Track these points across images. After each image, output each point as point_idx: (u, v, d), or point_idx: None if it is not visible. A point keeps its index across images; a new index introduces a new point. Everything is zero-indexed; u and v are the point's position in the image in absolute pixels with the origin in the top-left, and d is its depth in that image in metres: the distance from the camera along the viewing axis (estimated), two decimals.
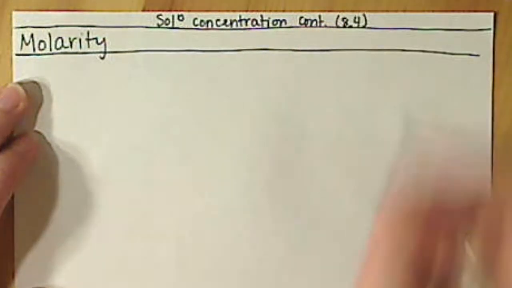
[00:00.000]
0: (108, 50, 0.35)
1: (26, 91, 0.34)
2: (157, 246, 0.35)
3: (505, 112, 0.36)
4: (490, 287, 0.22)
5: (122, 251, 0.35)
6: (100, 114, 0.35)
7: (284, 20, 0.35)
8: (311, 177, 0.35)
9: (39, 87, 0.35)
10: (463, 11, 0.35)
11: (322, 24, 0.35)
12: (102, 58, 0.35)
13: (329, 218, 0.35)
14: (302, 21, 0.35)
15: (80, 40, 0.35)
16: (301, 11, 0.35)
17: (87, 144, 0.35)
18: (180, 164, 0.35)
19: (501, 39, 0.35)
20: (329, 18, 0.35)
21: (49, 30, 0.35)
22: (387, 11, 0.35)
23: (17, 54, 0.35)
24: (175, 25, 0.35)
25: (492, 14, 0.35)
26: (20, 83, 0.34)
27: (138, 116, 0.35)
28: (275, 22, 0.35)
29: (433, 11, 0.35)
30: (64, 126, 0.35)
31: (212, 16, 0.35)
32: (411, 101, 0.35)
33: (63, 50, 0.35)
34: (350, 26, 0.35)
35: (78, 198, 0.35)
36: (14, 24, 0.35)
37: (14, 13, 0.35)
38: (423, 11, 0.35)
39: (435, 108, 0.35)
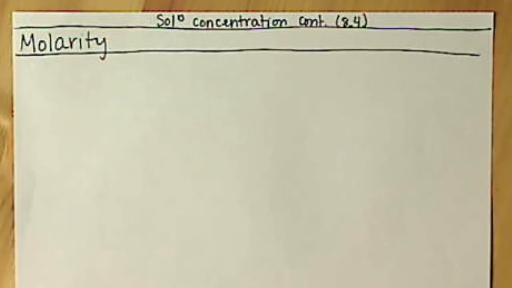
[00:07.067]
0: (108, 50, 0.35)
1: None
2: (157, 246, 0.35)
3: (505, 112, 0.36)
4: None
5: (122, 251, 0.35)
6: (100, 114, 0.35)
7: (284, 20, 0.35)
8: (311, 177, 0.35)
9: (39, 87, 0.35)
10: (463, 11, 0.35)
11: (322, 24, 0.35)
12: (102, 58, 0.35)
13: (329, 217, 0.35)
14: (302, 21, 0.35)
15: (80, 40, 0.35)
16: (301, 11, 0.35)
17: (87, 144, 0.35)
18: (180, 164, 0.35)
19: (501, 39, 0.35)
20: (329, 18, 0.35)
21: (49, 30, 0.35)
22: (387, 11, 0.35)
23: (17, 55, 0.35)
24: (175, 25, 0.35)
25: (492, 14, 0.35)
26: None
27: (138, 116, 0.35)
28: (275, 22, 0.35)
29: (433, 11, 0.35)
30: (64, 126, 0.35)
31: (212, 16, 0.35)
32: (410, 101, 0.35)
33: (63, 50, 0.35)
34: (350, 26, 0.35)
35: (77, 198, 0.35)
36: (14, 25, 0.35)
37: (14, 13, 0.35)
38: (423, 11, 0.35)
39: (435, 108, 0.35)
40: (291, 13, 0.35)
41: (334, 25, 0.35)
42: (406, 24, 0.35)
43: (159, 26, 0.35)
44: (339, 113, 0.35)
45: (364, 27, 0.35)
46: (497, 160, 0.35)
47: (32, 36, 0.35)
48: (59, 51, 0.35)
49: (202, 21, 0.35)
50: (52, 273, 0.35)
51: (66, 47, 0.35)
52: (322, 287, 0.35)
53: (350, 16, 0.35)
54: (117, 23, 0.35)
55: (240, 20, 0.35)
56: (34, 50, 0.35)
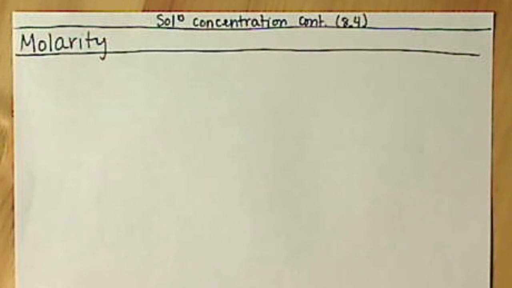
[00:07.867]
0: (108, 50, 0.35)
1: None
2: (157, 246, 0.35)
3: (505, 112, 0.36)
4: None
5: (122, 251, 0.35)
6: (100, 114, 0.35)
7: (284, 20, 0.35)
8: (311, 177, 0.35)
9: (39, 87, 0.35)
10: (463, 11, 0.35)
11: (322, 24, 0.35)
12: (102, 58, 0.35)
13: (329, 217, 0.35)
14: (302, 21, 0.35)
15: (80, 40, 0.35)
16: (301, 11, 0.35)
17: (87, 144, 0.35)
18: (180, 164, 0.35)
19: (501, 39, 0.35)
20: (329, 18, 0.35)
21: (49, 30, 0.35)
22: (387, 11, 0.35)
23: (17, 55, 0.35)
24: (175, 25, 0.35)
25: (492, 14, 0.35)
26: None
27: (138, 116, 0.35)
28: (275, 22, 0.35)
29: (433, 11, 0.35)
30: (64, 126, 0.35)
31: (212, 16, 0.35)
32: (410, 101, 0.35)
33: (63, 50, 0.35)
34: (350, 26, 0.35)
35: (78, 198, 0.35)
36: (14, 25, 0.35)
37: (14, 13, 0.35)
38: (423, 11, 0.35)
39: (435, 108, 0.35)
40: (291, 13, 0.35)
41: (334, 25, 0.35)
42: (406, 24, 0.35)
43: (159, 26, 0.35)
44: (339, 113, 0.35)
45: (364, 27, 0.35)
46: (497, 160, 0.35)
47: (32, 36, 0.35)
48: (59, 51, 0.35)
49: (202, 21, 0.35)
50: (52, 273, 0.35)
51: (66, 47, 0.35)
52: (322, 287, 0.35)
53: (350, 16, 0.35)
54: (117, 23, 0.35)
55: (240, 20, 0.35)
56: (34, 50, 0.35)
